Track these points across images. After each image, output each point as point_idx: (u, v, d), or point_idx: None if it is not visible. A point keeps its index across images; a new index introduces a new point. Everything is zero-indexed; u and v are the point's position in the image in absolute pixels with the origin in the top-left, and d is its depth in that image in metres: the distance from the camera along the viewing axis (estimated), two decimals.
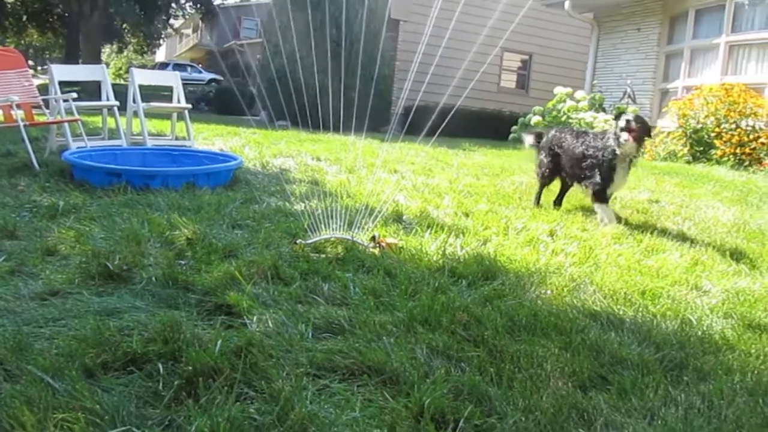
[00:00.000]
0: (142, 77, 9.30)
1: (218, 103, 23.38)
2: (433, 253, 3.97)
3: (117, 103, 8.16)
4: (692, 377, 2.52)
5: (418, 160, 8.88)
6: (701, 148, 11.65)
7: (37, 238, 3.90)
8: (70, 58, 32.81)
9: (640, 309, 3.27)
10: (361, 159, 8.34)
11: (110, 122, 8.79)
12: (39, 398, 2.00)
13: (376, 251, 3.90)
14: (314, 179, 6.64)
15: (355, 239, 4.00)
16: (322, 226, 4.10)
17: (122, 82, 32.54)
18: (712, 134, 11.46)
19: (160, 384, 2.18)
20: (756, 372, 2.60)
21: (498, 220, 5.21)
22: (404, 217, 5.01)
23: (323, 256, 3.80)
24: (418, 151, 9.63)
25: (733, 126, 11.26)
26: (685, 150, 11.85)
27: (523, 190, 6.89)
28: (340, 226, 4.12)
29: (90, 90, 13.17)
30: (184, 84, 9.43)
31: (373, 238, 4.07)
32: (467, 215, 5.38)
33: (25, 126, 6.53)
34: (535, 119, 15.03)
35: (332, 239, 4.02)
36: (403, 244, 4.11)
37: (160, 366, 2.28)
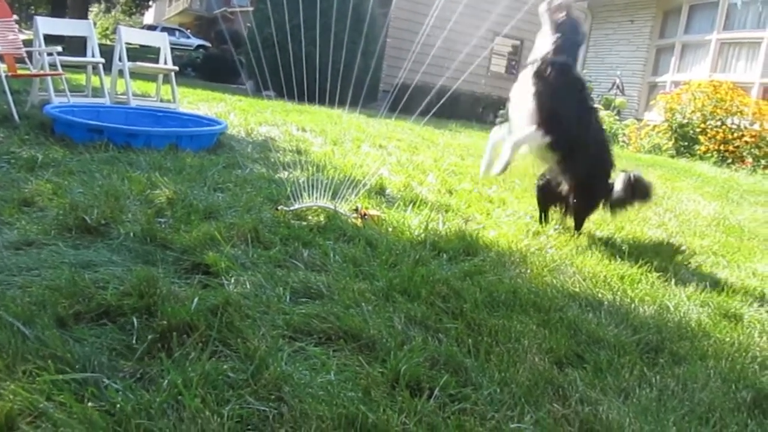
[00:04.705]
0: (130, 36, 9.15)
1: (205, 69, 23.07)
2: (415, 227, 3.95)
3: (102, 60, 8.01)
4: (668, 360, 2.53)
5: (404, 137, 8.84)
6: (686, 143, 11.72)
7: (14, 189, 3.82)
8: (57, 15, 32.21)
9: (619, 292, 3.28)
10: (347, 133, 8.28)
11: (95, 81, 8.64)
12: (8, 344, 1.96)
13: (359, 222, 3.88)
14: (299, 149, 6.58)
15: (337, 209, 3.97)
16: (305, 194, 4.07)
17: (108, 42, 31.99)
18: (698, 130, 11.53)
19: (134, 337, 2.15)
20: (730, 359, 2.62)
21: (481, 200, 5.20)
22: (387, 191, 4.99)
23: (304, 223, 3.77)
24: (404, 128, 9.60)
25: (719, 123, 11.34)
26: (670, 144, 11.92)
27: (506, 173, 6.86)
28: (322, 195, 4.08)
29: (75, 48, 12.95)
30: (171, 49, 9.28)
31: (356, 209, 4.05)
32: (451, 193, 5.37)
33: (6, 77, 6.39)
34: None
35: (314, 208, 3.98)
36: (386, 217, 4.09)
37: (135, 319, 2.25)
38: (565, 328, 2.68)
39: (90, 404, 1.75)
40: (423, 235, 3.78)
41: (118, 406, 1.74)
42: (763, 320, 3.20)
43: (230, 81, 20.29)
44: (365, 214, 3.97)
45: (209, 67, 22.90)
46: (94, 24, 10.09)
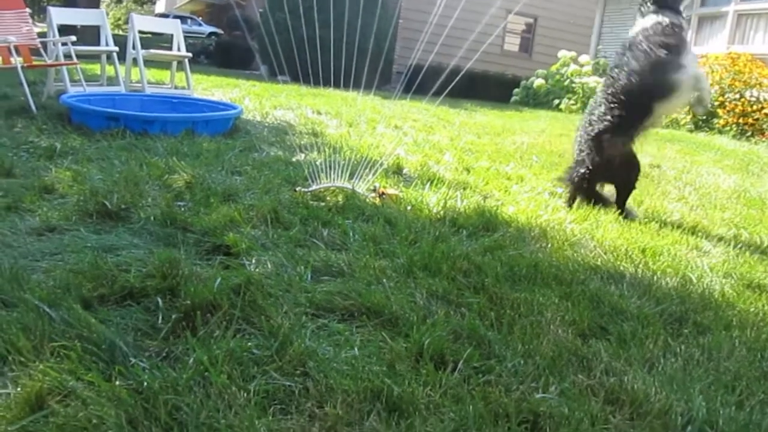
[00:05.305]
0: (142, 24, 9.16)
1: (218, 56, 23.10)
2: (433, 204, 3.94)
3: (116, 48, 8.03)
4: (692, 330, 2.51)
5: (420, 117, 8.80)
6: (704, 117, 11.56)
7: (34, 177, 3.86)
8: (69, 6, 32.27)
9: (641, 265, 3.26)
10: (362, 114, 8.26)
11: (109, 70, 8.67)
12: (35, 326, 1.99)
13: (377, 201, 3.88)
14: (314, 131, 6.58)
15: (355, 189, 3.97)
16: (323, 175, 4.07)
17: (121, 32, 32.01)
18: (716, 103, 11.36)
19: (158, 317, 2.17)
20: (755, 328, 2.59)
21: (499, 177, 5.18)
22: (405, 170, 4.98)
23: (323, 203, 3.78)
24: (419, 109, 9.55)
25: (737, 96, 11.17)
26: (688, 118, 11.77)
27: (524, 150, 6.85)
28: (340, 176, 4.08)
29: (88, 38, 12.99)
30: (183, 37, 9.26)
31: (374, 188, 4.05)
32: (468, 171, 5.35)
33: (22, 68, 6.43)
34: (538, 82, 14.92)
35: (332, 188, 3.98)
36: (404, 196, 4.08)
37: (159, 300, 2.26)
38: (588, 300, 2.67)
39: (117, 383, 1.77)
40: (442, 213, 3.77)
41: (146, 383, 1.75)
42: None
43: (244, 67, 20.29)
44: (383, 193, 3.97)
45: (222, 54, 22.90)
46: (107, 14, 10.09)
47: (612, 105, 4.16)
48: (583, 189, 4.40)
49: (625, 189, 4.42)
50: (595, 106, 4.31)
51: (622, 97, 4.11)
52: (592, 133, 4.23)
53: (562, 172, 4.69)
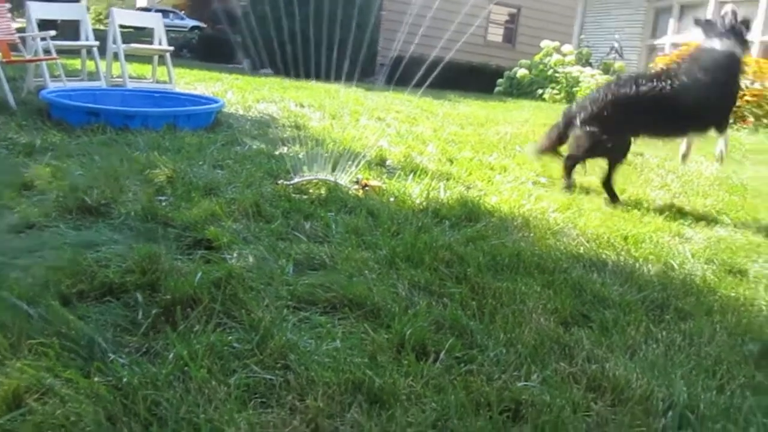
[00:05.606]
0: (123, 17, 9.08)
1: (201, 50, 22.94)
2: (416, 195, 3.94)
3: (97, 43, 7.94)
4: (673, 316, 2.53)
5: (403, 109, 8.78)
6: None
7: (13, 174, 3.82)
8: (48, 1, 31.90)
9: (623, 253, 3.27)
10: (345, 107, 8.23)
11: (89, 65, 8.58)
12: (13, 324, 1.97)
13: (360, 193, 3.87)
14: (297, 124, 6.55)
15: (338, 181, 3.96)
16: (305, 168, 4.04)
17: (102, 27, 31.72)
18: None
19: (138, 313, 2.15)
20: (736, 313, 2.61)
21: (482, 167, 5.18)
22: (388, 162, 4.97)
23: (305, 196, 3.76)
24: (403, 100, 9.53)
25: None
26: None
27: (507, 140, 6.85)
28: (323, 168, 4.06)
29: (68, 35, 12.86)
30: (166, 31, 9.18)
31: (357, 180, 4.03)
32: (451, 162, 5.35)
33: (1, 64, 6.35)
34: (522, 72, 14.92)
35: (315, 180, 3.96)
36: (387, 187, 4.07)
37: (138, 295, 2.24)
38: (570, 288, 2.68)
39: (96, 379, 1.75)
40: (424, 204, 3.77)
41: (125, 380, 1.74)
42: None
43: (227, 61, 20.15)
44: (366, 185, 3.96)
45: (205, 48, 22.73)
46: (87, 9, 9.98)
47: (662, 107, 4.36)
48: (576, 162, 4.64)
49: (615, 165, 4.56)
50: (627, 91, 4.42)
51: (681, 110, 4.36)
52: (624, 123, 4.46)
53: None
